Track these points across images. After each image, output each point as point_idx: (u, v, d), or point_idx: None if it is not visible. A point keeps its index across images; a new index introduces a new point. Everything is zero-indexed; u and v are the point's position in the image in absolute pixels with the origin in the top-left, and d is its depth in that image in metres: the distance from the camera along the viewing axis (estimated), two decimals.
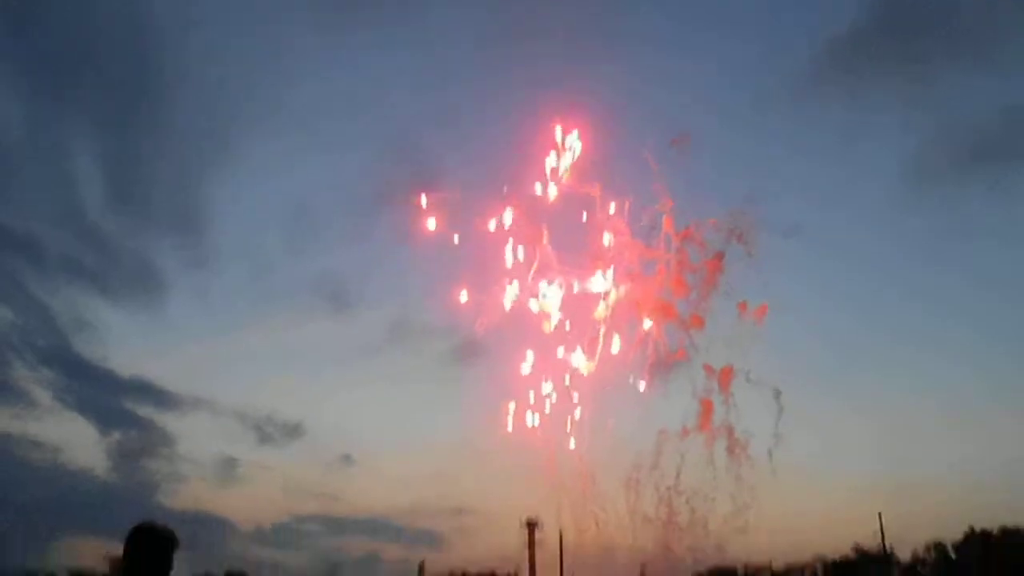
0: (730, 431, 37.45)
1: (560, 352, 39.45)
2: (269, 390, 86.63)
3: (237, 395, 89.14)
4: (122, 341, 76.64)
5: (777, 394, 36.85)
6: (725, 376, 38.42)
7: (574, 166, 36.63)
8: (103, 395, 69.99)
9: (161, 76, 77.91)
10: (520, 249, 38.62)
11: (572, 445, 40.20)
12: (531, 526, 52.66)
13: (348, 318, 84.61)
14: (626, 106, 40.05)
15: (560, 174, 36.52)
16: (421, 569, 48.27)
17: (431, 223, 38.08)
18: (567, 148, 36.46)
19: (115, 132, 74.11)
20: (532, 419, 38.18)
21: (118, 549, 4.89)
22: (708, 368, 38.95)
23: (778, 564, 49.04)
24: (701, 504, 37.76)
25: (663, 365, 39.01)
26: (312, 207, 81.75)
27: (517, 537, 52.76)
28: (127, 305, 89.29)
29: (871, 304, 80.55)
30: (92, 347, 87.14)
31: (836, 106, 79.95)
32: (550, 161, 36.77)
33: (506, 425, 38.43)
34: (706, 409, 38.71)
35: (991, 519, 44.44)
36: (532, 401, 38.36)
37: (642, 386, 38.18)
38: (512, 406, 38.32)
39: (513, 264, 38.94)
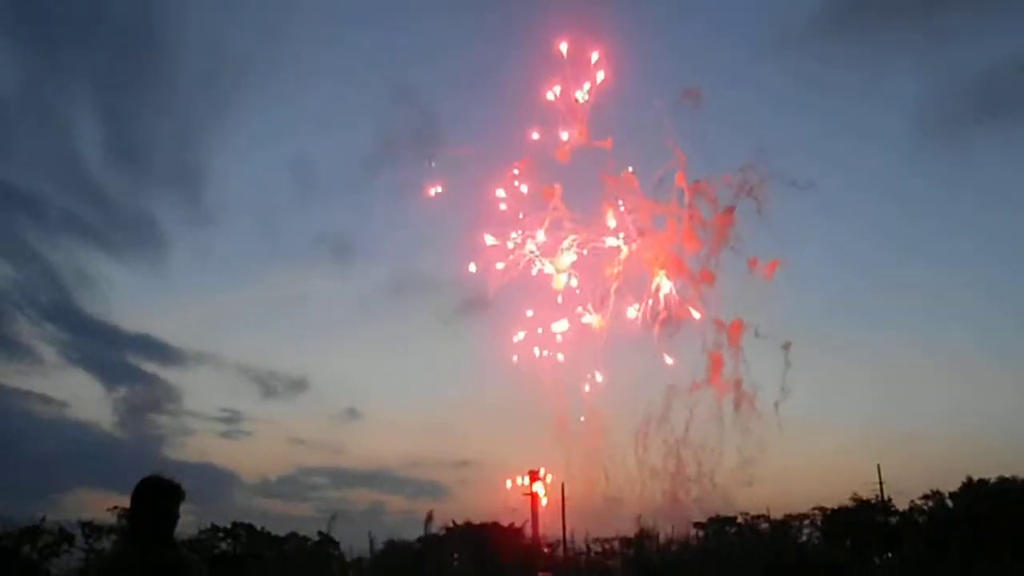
0: (737, 384, 37.72)
1: (570, 311, 39.86)
2: (273, 345, 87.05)
3: (241, 350, 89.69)
4: (125, 297, 76.90)
5: (786, 346, 37.00)
6: (735, 330, 38.56)
7: (585, 115, 36.22)
8: (107, 351, 70.45)
9: (163, 31, 76.55)
10: (531, 206, 38.62)
11: (582, 400, 40.70)
12: (534, 477, 53.37)
13: (352, 273, 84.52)
14: (633, 61, 39.20)
15: (582, 98, 36.04)
16: (429, 519, 48.97)
17: (435, 189, 37.91)
18: (593, 70, 36.04)
19: (116, 88, 73.13)
20: (540, 353, 38.69)
21: (126, 501, 4.94)
22: (719, 323, 39.10)
23: (777, 514, 49.66)
24: (708, 457, 38.24)
25: (673, 320, 39.22)
26: (315, 164, 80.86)
27: (520, 488, 53.56)
28: (129, 261, 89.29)
29: (873, 259, 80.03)
30: (95, 303, 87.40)
31: (841, 60, 78.03)
32: (550, 94, 36.41)
33: (512, 359, 39.00)
34: (715, 363, 38.97)
35: (989, 469, 45.07)
36: (540, 332, 38.87)
37: (666, 358, 38.47)
38: (520, 336, 38.72)
39: (524, 221, 38.97)
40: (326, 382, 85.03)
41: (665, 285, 38.78)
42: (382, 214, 74.21)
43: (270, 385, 77.39)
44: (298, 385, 74.73)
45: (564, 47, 36.16)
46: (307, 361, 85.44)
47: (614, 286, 38.81)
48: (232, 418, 68.40)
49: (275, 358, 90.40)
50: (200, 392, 79.84)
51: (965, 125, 77.53)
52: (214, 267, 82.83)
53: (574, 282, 38.77)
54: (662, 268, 38.57)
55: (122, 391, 70.21)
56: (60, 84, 73.04)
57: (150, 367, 77.07)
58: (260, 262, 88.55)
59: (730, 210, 38.47)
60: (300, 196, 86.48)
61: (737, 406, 38.11)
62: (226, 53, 78.81)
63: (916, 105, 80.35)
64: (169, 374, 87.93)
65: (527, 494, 52.90)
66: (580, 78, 36.34)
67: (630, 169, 37.69)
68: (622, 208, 38.10)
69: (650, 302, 38.62)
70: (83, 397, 76.34)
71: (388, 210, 75.98)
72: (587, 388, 40.14)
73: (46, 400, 62.27)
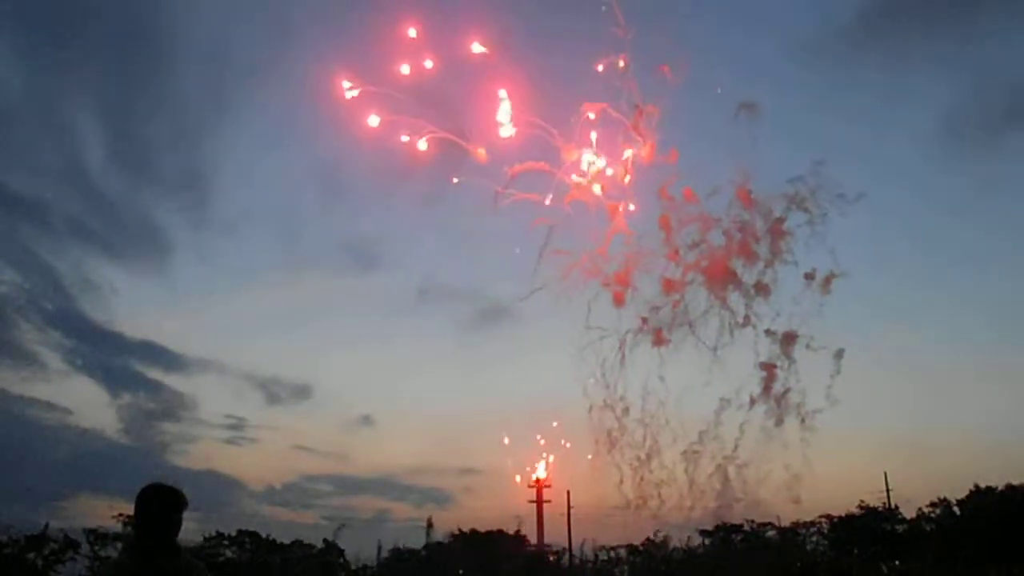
0: (785, 396, 38.08)
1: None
2: (278, 351, 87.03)
3: (246, 357, 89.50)
4: (129, 303, 76.69)
5: (838, 354, 37.35)
6: (788, 342, 39.24)
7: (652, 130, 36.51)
8: (111, 357, 70.49)
9: (167, 34, 76.82)
10: (595, 221, 39.11)
11: (627, 411, 41.03)
12: (539, 485, 53.37)
13: (366, 281, 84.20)
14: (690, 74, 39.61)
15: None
16: (429, 526, 48.98)
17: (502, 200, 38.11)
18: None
19: (120, 93, 73.22)
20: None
21: (131, 508, 4.95)
22: (770, 333, 39.73)
23: (783, 522, 49.39)
24: (754, 472, 38.51)
25: (726, 332, 39.78)
26: (324, 169, 79.94)
27: (525, 496, 53.62)
28: (134, 267, 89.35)
29: (887, 269, 79.26)
30: (100, 309, 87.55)
31: (873, 70, 76.86)
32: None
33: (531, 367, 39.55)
34: (769, 374, 39.57)
35: (996, 476, 44.72)
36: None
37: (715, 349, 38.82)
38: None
39: (584, 235, 39.51)
40: (336, 389, 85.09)
41: (720, 298, 39.52)
42: (403, 221, 74.09)
43: (274, 392, 77.56)
44: (302, 392, 74.94)
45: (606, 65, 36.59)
46: (314, 368, 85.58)
47: (668, 299, 39.53)
48: (237, 425, 68.57)
49: (280, 364, 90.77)
50: (205, 399, 79.84)
51: (1000, 131, 76.59)
52: (219, 273, 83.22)
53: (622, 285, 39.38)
54: (717, 281, 39.37)
55: (126, 398, 70.33)
56: (63, 89, 73.32)
57: (154, 374, 77.12)
58: (270, 268, 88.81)
59: (781, 221, 39.43)
60: (311, 201, 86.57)
61: (780, 420, 38.60)
62: (232, 55, 79.03)
63: (948, 110, 79.56)
64: (173, 381, 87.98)
65: (532, 500, 52.92)
66: (642, 89, 37.00)
67: (688, 186, 38.69)
68: (678, 218, 39.00)
69: (707, 312, 39.24)
70: (87, 404, 76.52)
71: (409, 217, 75.88)
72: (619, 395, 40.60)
73: (50, 407, 62.45)
